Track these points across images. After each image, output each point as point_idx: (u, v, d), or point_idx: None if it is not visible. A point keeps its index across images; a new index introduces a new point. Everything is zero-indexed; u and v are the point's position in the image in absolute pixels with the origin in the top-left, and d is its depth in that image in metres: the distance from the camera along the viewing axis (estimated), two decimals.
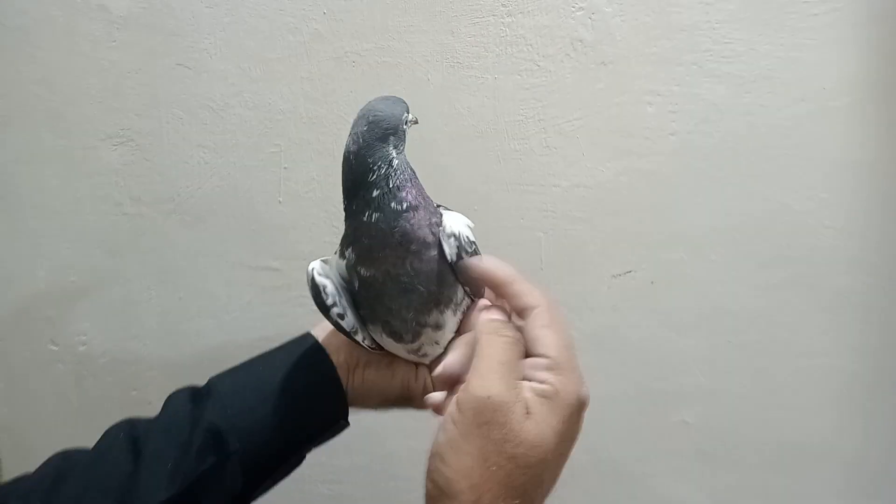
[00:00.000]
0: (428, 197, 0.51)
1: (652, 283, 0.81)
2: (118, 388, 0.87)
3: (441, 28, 0.78)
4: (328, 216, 0.81)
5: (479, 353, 0.44)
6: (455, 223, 0.51)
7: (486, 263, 0.49)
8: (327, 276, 0.51)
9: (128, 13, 0.80)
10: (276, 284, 0.83)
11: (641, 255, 0.80)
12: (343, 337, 0.53)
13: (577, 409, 0.44)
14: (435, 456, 0.42)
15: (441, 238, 0.49)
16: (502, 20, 0.78)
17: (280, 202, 0.81)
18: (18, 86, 0.82)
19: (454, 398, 0.43)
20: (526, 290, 0.47)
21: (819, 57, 0.76)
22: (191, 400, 0.56)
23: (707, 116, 0.77)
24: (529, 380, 0.43)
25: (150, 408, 0.86)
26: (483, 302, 0.50)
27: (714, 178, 0.78)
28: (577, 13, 0.77)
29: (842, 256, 0.78)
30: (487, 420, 0.41)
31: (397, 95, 0.53)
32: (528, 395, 0.43)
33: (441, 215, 0.51)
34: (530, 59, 0.78)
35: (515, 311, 0.47)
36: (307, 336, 0.57)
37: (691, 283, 0.80)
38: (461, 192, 0.80)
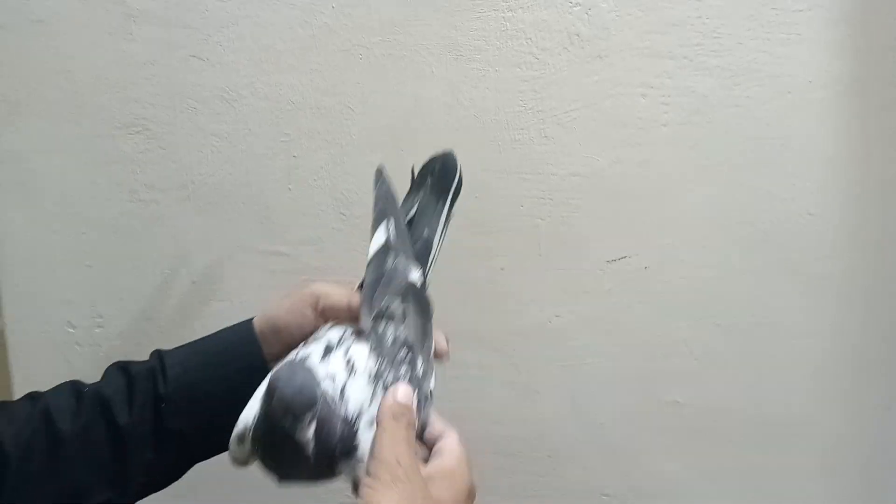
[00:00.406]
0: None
1: (645, 268, 0.84)
2: None
3: (444, 22, 0.82)
4: (335, 203, 0.85)
5: (382, 434, 0.49)
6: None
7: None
8: None
9: (144, 7, 0.83)
10: (285, 269, 0.87)
11: (635, 241, 0.84)
12: (280, 325, 0.60)
13: (471, 485, 0.52)
14: None
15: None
16: (503, 14, 0.81)
17: (290, 189, 0.85)
18: (38, 76, 0.86)
19: (365, 470, 0.48)
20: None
21: (804, 51, 0.80)
22: (120, 367, 0.63)
23: (698, 108, 0.81)
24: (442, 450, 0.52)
25: None
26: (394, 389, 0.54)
27: (704, 167, 0.82)
28: (575, 8, 0.81)
29: (822, 242, 0.82)
30: (399, 479, 0.46)
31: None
32: (449, 458, 0.51)
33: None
34: (529, 53, 0.81)
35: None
36: (249, 325, 0.62)
37: (682, 268, 0.84)
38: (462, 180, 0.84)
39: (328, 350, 0.54)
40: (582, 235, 0.84)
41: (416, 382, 0.54)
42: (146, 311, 0.90)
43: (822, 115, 0.81)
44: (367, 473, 0.47)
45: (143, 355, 0.92)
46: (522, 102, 0.82)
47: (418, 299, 0.59)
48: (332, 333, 0.56)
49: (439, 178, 0.65)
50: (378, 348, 0.53)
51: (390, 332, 0.55)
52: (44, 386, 0.95)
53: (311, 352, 0.53)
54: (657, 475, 0.88)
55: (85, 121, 0.87)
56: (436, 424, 0.55)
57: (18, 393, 0.93)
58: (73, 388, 0.61)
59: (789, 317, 0.84)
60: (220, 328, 0.89)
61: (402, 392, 0.52)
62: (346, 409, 0.49)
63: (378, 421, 0.49)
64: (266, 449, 0.49)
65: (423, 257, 0.62)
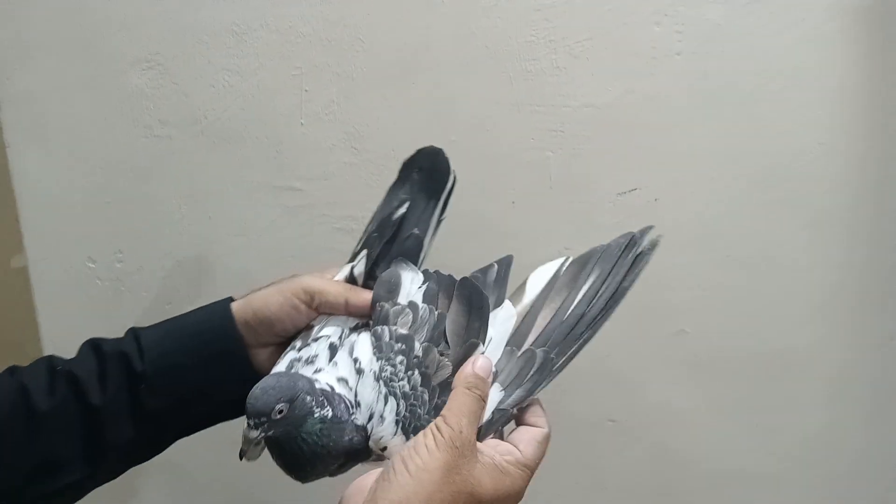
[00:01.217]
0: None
1: (655, 200, 0.85)
2: (153, 302, 0.94)
3: None
4: (347, 137, 0.85)
5: (455, 398, 0.50)
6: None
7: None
8: None
9: None
10: (299, 204, 0.88)
11: (645, 173, 0.84)
12: (273, 320, 0.59)
13: (520, 495, 0.50)
14: (397, 464, 0.47)
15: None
16: None
17: (302, 124, 0.85)
18: (50, 14, 0.86)
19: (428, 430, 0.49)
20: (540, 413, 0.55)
21: None
22: (93, 346, 0.62)
23: (711, 37, 0.80)
24: (515, 444, 0.52)
25: None
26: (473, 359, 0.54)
27: (715, 97, 0.81)
28: None
29: (831, 175, 0.82)
30: (454, 446, 0.47)
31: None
32: (508, 456, 0.50)
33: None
34: None
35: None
36: (227, 310, 0.60)
37: (691, 201, 0.85)
38: (472, 113, 0.84)
39: (333, 350, 0.56)
40: (592, 168, 0.84)
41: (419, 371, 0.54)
42: (164, 245, 0.92)
43: (834, 45, 0.79)
44: (434, 428, 0.49)
45: (163, 289, 0.95)
46: (534, 32, 0.81)
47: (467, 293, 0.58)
48: (331, 330, 0.58)
49: (430, 178, 0.64)
50: (378, 344, 0.55)
51: (389, 331, 0.56)
52: (69, 322, 0.99)
53: (317, 353, 0.56)
54: (662, 404, 0.90)
55: (96, 58, 0.87)
56: (530, 415, 0.54)
57: (45, 330, 0.97)
58: (49, 365, 0.60)
59: (796, 249, 0.85)
60: (237, 265, 0.93)
61: (481, 364, 0.53)
62: (357, 411, 0.52)
63: (454, 386, 0.51)
64: (276, 458, 0.53)
65: (413, 255, 0.62)
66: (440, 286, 0.59)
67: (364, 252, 0.62)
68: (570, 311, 0.57)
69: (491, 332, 0.56)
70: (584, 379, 0.89)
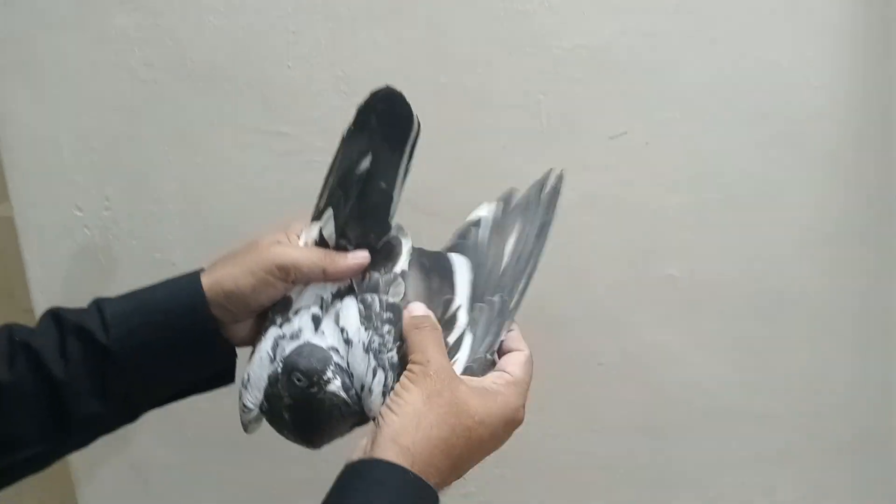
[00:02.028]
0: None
1: (647, 143, 0.85)
2: (143, 250, 0.93)
3: None
4: (335, 80, 0.84)
5: (410, 342, 0.53)
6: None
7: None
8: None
9: None
10: (288, 149, 0.87)
11: (637, 116, 0.84)
12: (249, 300, 0.57)
13: (518, 413, 0.53)
14: (384, 411, 0.50)
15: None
16: None
17: (289, 67, 0.84)
18: None
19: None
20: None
21: None
22: (53, 317, 0.59)
23: None
24: (502, 369, 0.55)
25: (175, 269, 0.91)
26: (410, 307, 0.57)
27: (709, 36, 0.80)
28: None
29: (826, 114, 0.82)
30: (427, 375, 0.50)
31: None
32: (497, 379, 0.54)
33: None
34: None
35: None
36: (197, 285, 0.58)
37: (684, 143, 0.84)
38: (462, 54, 0.83)
39: (317, 321, 0.56)
40: (584, 111, 0.84)
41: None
42: (152, 192, 0.91)
43: None
44: (406, 371, 0.51)
45: (152, 236, 0.95)
46: None
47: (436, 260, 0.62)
48: (311, 299, 0.57)
49: (390, 124, 0.59)
50: (367, 314, 0.55)
51: (379, 300, 0.56)
52: (58, 272, 0.98)
53: (300, 327, 0.56)
54: (652, 345, 0.91)
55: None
56: (511, 342, 0.58)
57: (34, 281, 0.96)
58: (8, 336, 0.58)
59: (791, 191, 0.85)
60: (228, 211, 0.92)
61: (415, 307, 0.55)
62: (353, 381, 0.53)
63: (404, 336, 0.54)
64: (300, 426, 0.54)
65: (383, 211, 0.59)
66: (421, 257, 0.61)
67: (330, 211, 0.60)
68: (508, 255, 0.62)
69: (458, 280, 0.59)
70: (573, 322, 0.90)
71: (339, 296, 0.57)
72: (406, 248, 0.60)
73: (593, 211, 0.87)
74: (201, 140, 0.88)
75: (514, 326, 0.60)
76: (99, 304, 0.58)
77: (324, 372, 0.52)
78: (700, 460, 0.96)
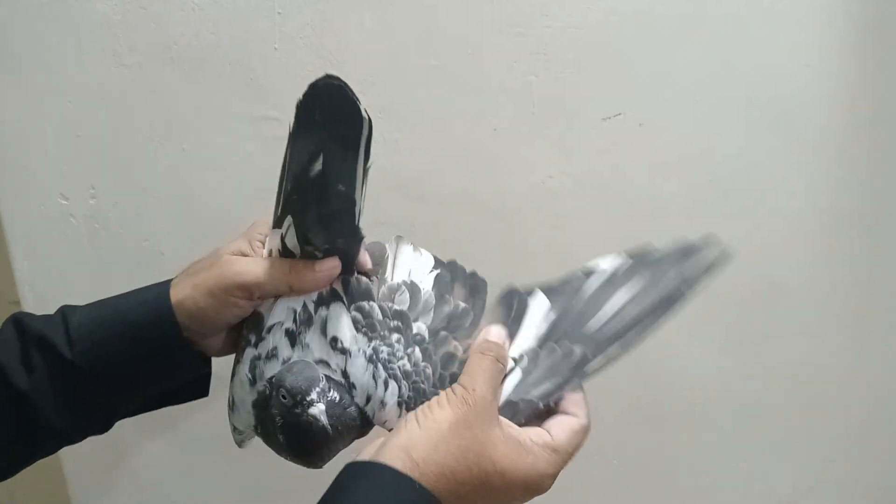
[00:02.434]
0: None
1: (640, 125, 0.83)
2: (131, 239, 0.91)
3: None
4: (323, 63, 0.82)
5: (469, 363, 0.50)
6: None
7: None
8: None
9: None
10: (276, 135, 0.86)
11: (630, 97, 0.83)
12: (217, 322, 0.55)
13: (544, 481, 0.48)
14: (410, 417, 0.48)
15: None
16: None
17: (276, 49, 0.82)
18: None
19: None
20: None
21: None
22: (16, 326, 0.57)
23: None
24: (548, 429, 0.50)
25: (163, 258, 0.92)
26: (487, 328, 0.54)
27: (701, 16, 0.79)
28: None
29: (819, 96, 0.81)
30: (465, 402, 0.47)
31: None
32: (536, 437, 0.48)
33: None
34: None
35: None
36: (165, 299, 0.55)
37: (677, 125, 0.83)
38: (452, 35, 0.81)
39: (291, 336, 0.53)
40: (576, 93, 0.82)
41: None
42: (139, 181, 0.89)
43: None
44: (449, 388, 0.49)
45: (139, 226, 0.93)
46: None
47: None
48: (282, 315, 0.54)
49: (335, 121, 0.52)
50: (368, 322, 0.52)
51: (381, 308, 0.53)
52: (44, 262, 0.96)
53: (275, 345, 0.53)
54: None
55: None
56: (569, 405, 0.52)
57: (19, 272, 0.95)
58: None
59: (783, 173, 0.84)
60: (216, 199, 0.90)
61: (494, 332, 0.52)
62: (354, 393, 0.51)
63: (470, 354, 0.51)
64: (294, 446, 0.51)
65: (347, 215, 0.53)
66: (455, 275, 0.56)
67: (290, 219, 0.55)
68: (613, 311, 0.54)
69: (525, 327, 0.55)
70: None
71: (322, 303, 0.54)
72: (403, 253, 0.57)
73: (586, 195, 0.86)
74: (188, 126, 0.86)
75: (581, 390, 0.53)
76: (64, 314, 0.56)
77: (308, 393, 0.48)
78: (696, 450, 0.96)
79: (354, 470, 0.45)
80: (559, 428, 0.49)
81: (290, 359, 0.52)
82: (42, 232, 0.92)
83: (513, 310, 0.56)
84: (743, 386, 0.92)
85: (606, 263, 0.58)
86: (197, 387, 0.60)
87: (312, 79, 0.85)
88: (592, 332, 0.53)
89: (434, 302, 0.54)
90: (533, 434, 0.49)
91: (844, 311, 0.89)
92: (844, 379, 0.92)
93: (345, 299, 0.54)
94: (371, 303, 0.53)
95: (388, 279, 0.55)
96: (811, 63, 0.80)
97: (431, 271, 0.56)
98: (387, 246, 0.58)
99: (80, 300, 0.99)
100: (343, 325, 0.52)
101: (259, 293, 0.54)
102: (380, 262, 0.56)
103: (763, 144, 0.83)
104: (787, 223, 0.86)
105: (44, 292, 0.95)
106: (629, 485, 0.96)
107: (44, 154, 0.89)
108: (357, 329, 0.52)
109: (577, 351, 0.52)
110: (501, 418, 0.48)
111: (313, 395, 0.48)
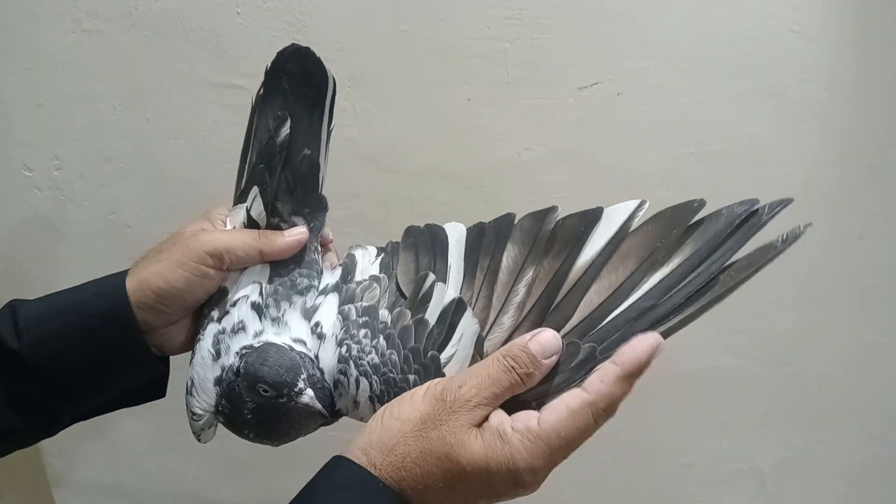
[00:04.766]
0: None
1: (618, 94, 0.80)
2: (97, 212, 0.89)
3: None
4: (289, 28, 0.79)
5: (481, 362, 0.46)
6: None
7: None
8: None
9: None
10: (242, 103, 0.81)
11: (608, 65, 0.79)
12: (185, 296, 0.53)
13: (522, 476, 0.42)
14: (376, 412, 0.46)
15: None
16: None
17: (238, 13, 0.79)
18: None
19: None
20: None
21: None
22: None
23: None
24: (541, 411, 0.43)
25: (130, 231, 0.90)
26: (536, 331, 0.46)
27: None
28: None
29: (804, 63, 0.78)
30: (443, 399, 0.43)
31: None
32: (518, 423, 0.42)
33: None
34: None
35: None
36: (121, 289, 0.52)
37: (657, 94, 0.80)
38: (424, 0, 0.78)
39: (258, 309, 0.52)
40: (552, 60, 0.79)
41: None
42: (103, 150, 0.87)
43: None
44: (433, 380, 0.47)
45: (105, 198, 0.91)
46: None
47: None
48: (247, 289, 0.53)
49: (303, 84, 0.55)
50: (345, 325, 0.51)
51: (355, 308, 0.52)
52: (11, 236, 0.94)
53: (241, 319, 0.51)
54: None
55: None
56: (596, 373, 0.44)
57: None
58: None
59: (768, 144, 0.81)
60: (181, 169, 0.88)
61: (539, 338, 0.44)
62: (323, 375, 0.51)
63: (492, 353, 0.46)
64: (265, 427, 0.50)
65: (311, 180, 0.55)
66: (392, 253, 0.55)
67: (255, 189, 0.55)
68: (634, 298, 0.45)
69: (451, 260, 0.52)
70: None
71: (323, 293, 0.54)
72: (360, 255, 0.56)
73: (562, 168, 0.83)
74: (151, 95, 0.83)
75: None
76: (13, 306, 0.53)
77: (294, 384, 0.47)
78: (678, 425, 0.94)
79: (334, 462, 0.44)
80: (550, 409, 0.42)
81: (260, 332, 0.52)
82: (8, 205, 0.90)
83: (418, 248, 0.54)
84: (727, 361, 0.90)
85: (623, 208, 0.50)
86: (153, 387, 0.58)
87: (277, 44, 0.83)
88: (598, 318, 0.47)
89: (387, 283, 0.54)
90: (518, 419, 0.43)
91: (829, 288, 0.87)
92: (833, 356, 0.90)
93: (340, 298, 0.54)
94: (350, 305, 0.53)
95: (356, 280, 0.55)
96: (797, 28, 0.76)
97: (375, 260, 0.56)
98: (355, 254, 0.57)
99: (50, 277, 0.97)
100: (329, 314, 0.52)
101: (230, 259, 0.53)
102: (351, 270, 0.56)
103: (748, 115, 0.80)
104: (772, 196, 0.83)
105: (12, 267, 0.93)
106: (609, 459, 0.94)
107: (5, 124, 0.87)
108: (337, 320, 0.52)
109: (584, 348, 0.45)
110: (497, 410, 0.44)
111: (300, 384, 0.48)
